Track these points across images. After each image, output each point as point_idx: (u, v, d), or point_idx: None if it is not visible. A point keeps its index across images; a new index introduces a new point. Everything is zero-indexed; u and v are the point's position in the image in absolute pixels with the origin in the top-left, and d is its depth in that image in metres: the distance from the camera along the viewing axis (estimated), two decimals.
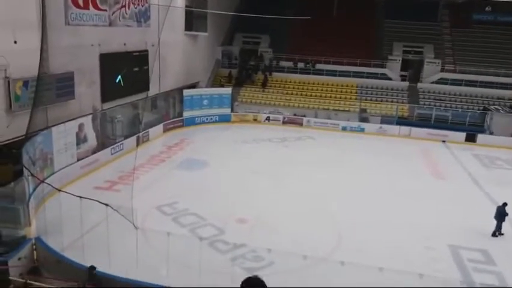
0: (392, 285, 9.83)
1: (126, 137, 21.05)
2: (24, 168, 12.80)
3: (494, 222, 14.13)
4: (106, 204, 11.46)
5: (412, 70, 32.77)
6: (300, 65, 33.13)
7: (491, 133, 27.17)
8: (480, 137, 26.71)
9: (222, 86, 31.53)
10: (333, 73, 32.49)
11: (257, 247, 11.96)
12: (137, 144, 20.96)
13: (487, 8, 33.20)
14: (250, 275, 2.90)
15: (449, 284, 10.75)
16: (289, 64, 33.33)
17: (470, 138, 26.61)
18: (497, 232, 14.10)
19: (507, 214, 14.06)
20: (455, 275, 11.56)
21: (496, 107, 28.56)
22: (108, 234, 11.47)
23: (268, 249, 11.55)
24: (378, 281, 9.95)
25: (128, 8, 20.73)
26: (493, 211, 14.38)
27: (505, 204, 14.25)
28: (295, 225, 13.90)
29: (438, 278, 10.63)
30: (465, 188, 18.80)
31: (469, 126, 27.54)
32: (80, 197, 11.66)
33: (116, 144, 19.89)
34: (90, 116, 18.24)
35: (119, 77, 20.32)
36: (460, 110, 28.83)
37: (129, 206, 11.96)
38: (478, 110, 29.00)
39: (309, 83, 32.34)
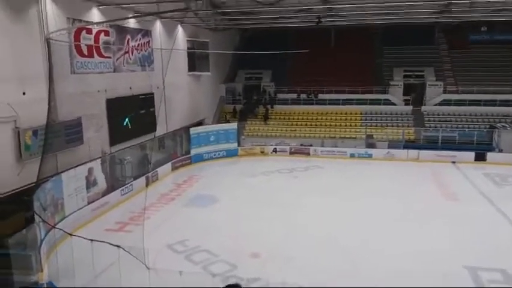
0: None
1: (135, 178, 21.21)
2: (35, 215, 12.93)
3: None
4: (118, 246, 11.49)
5: (415, 94, 33.01)
6: (303, 96, 33.55)
7: (500, 151, 26.99)
8: (490, 155, 26.52)
9: (228, 121, 31.95)
10: (336, 102, 32.84)
11: (271, 281, 11.83)
12: (147, 184, 21.09)
13: (482, 28, 33.67)
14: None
15: None
16: (293, 96, 33.76)
17: (480, 157, 26.43)
18: None
19: None
20: None
21: (502, 124, 28.50)
22: (120, 276, 11.43)
23: (282, 283, 11.44)
24: None
25: (132, 53, 21.37)
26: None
27: None
28: (308, 256, 13.71)
29: None
30: (478, 207, 18.52)
31: (477, 145, 27.39)
32: (92, 239, 11.73)
33: (126, 186, 20.04)
34: (99, 160, 18.50)
35: (127, 119, 20.69)
36: (467, 129, 28.80)
37: (141, 246, 11.97)
38: (485, 128, 28.95)
39: (313, 113, 32.67)
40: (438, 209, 18.33)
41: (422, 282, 12.00)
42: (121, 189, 19.57)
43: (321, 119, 32.11)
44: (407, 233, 15.60)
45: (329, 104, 32.93)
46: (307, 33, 34.16)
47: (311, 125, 31.69)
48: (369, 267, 13.04)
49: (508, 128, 27.71)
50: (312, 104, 33.29)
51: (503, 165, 25.08)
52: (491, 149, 27.20)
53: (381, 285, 11.57)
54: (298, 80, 34.02)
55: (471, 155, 26.56)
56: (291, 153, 29.03)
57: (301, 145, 29.51)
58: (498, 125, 28.43)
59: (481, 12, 25.22)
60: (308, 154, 28.75)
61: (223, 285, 2.98)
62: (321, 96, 33.34)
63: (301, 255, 13.80)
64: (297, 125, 31.85)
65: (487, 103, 30.43)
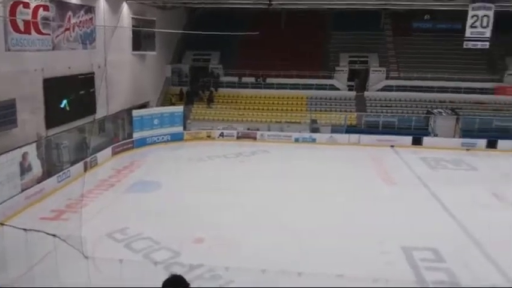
0: None
1: (73, 163, 20.31)
2: None
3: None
4: (53, 235, 11.06)
5: (358, 79, 33.87)
6: (251, 79, 33.47)
7: (435, 135, 28.44)
8: (426, 139, 27.88)
9: (173, 104, 31.25)
10: (283, 86, 33.05)
11: (215, 266, 11.83)
12: (85, 170, 20.30)
13: (425, 17, 34.90)
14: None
15: (403, 284, 11.10)
16: (240, 79, 33.58)
17: (417, 142, 27.71)
18: None
19: None
20: (408, 276, 11.92)
21: (438, 110, 29.94)
22: (57, 266, 11.03)
23: (225, 268, 11.47)
24: None
25: (73, 30, 20.27)
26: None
27: None
28: (253, 240, 13.82)
29: (391, 280, 10.98)
30: (414, 190, 19.51)
31: (415, 130, 28.68)
32: (25, 229, 11.18)
33: (63, 171, 19.15)
34: (34, 144, 17.54)
35: (65, 101, 19.74)
36: (406, 115, 30.03)
37: (78, 235, 11.58)
38: (422, 114, 30.31)
39: (260, 97, 32.71)
40: (376, 191, 19.14)
41: (361, 261, 12.54)
42: (57, 175, 18.67)
43: (269, 103, 32.23)
44: (348, 215, 16.18)
45: (277, 88, 33.09)
46: (258, 16, 33.94)
47: (258, 109, 31.75)
48: (313, 248, 13.41)
49: (443, 114, 29.18)
50: (260, 88, 33.30)
51: (438, 150, 26.47)
52: (427, 134, 28.56)
53: (323, 265, 11.97)
54: (247, 63, 33.81)
55: (409, 139, 27.76)
56: (238, 137, 29.00)
57: (248, 129, 29.55)
58: (434, 110, 29.82)
59: (424, 1, 26.07)
60: (255, 139, 28.84)
61: (166, 277, 2.97)
62: (269, 80, 33.39)
63: (247, 239, 13.89)
64: (244, 109, 31.79)
65: (426, 89, 31.80)
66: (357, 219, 15.74)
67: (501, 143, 26.94)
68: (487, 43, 21.91)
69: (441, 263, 12.78)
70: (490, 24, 21.40)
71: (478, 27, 21.66)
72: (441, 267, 12.54)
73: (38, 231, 11.52)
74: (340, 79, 33.50)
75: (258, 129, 29.48)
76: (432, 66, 32.55)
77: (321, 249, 13.29)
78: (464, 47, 22.52)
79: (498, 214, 16.46)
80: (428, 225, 15.26)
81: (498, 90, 31.50)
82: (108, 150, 23.82)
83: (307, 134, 28.88)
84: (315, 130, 29.33)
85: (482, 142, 27.17)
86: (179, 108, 28.95)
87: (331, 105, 31.93)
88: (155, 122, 27.15)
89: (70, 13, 19.94)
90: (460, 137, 27.98)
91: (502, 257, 12.96)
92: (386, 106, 31.43)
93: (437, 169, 23.16)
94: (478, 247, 13.79)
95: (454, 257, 13.01)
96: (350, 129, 29.00)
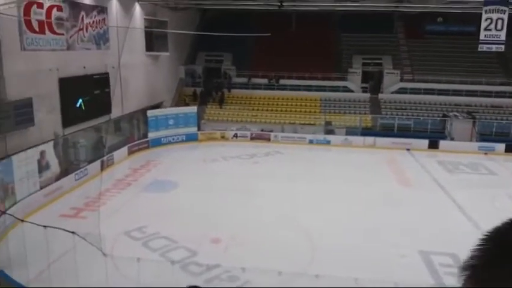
0: None
1: (90, 162, 20.46)
2: None
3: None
4: (73, 232, 11.09)
5: (372, 81, 33.64)
6: (264, 80, 33.43)
7: (452, 139, 28.11)
8: (442, 143, 27.56)
9: (187, 104, 31.33)
10: (296, 88, 32.92)
11: (231, 267, 11.79)
12: (102, 169, 20.41)
13: (438, 19, 34.63)
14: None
15: None
16: (253, 80, 33.57)
17: (433, 145, 27.41)
18: None
19: None
20: (427, 280, 11.76)
21: (454, 113, 29.62)
22: (76, 263, 11.05)
23: (242, 268, 11.41)
24: None
25: (86, 31, 20.40)
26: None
27: None
28: (269, 241, 13.78)
29: (410, 284, 10.83)
30: (431, 193, 19.26)
31: (431, 133, 28.38)
32: (45, 226, 11.24)
33: (80, 170, 19.30)
34: (51, 143, 17.67)
35: (80, 100, 19.87)
36: (421, 118, 29.74)
37: (96, 233, 11.61)
38: (438, 117, 30.00)
39: (274, 98, 32.63)
40: (392, 194, 18.95)
41: (378, 264, 12.39)
42: (75, 173, 18.83)
43: (282, 104, 32.15)
44: (364, 217, 16.01)
45: (290, 89, 32.99)
46: (269, 17, 33.86)
47: (272, 110, 31.67)
48: (329, 250, 13.30)
49: (460, 117, 28.85)
50: (273, 89, 33.24)
51: (455, 153, 26.13)
52: (444, 137, 28.24)
53: (340, 267, 11.82)
54: (260, 65, 33.77)
55: (425, 142, 27.47)
56: (252, 138, 28.96)
57: (262, 130, 29.50)
58: (450, 114, 29.51)
59: (437, 3, 25.87)
60: (269, 140, 28.78)
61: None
62: (282, 81, 33.32)
63: (262, 240, 13.83)
64: (257, 110, 31.75)
65: (441, 92, 31.46)
66: (373, 222, 15.57)
67: None
68: (503, 46, 21.60)
69: None
70: (505, 27, 21.12)
71: (492, 30, 21.35)
72: None
73: (58, 228, 11.58)
74: (353, 81, 33.30)
75: (271, 131, 29.41)
76: (446, 69, 32.22)
77: (336, 251, 13.18)
78: (479, 50, 22.24)
79: None
80: (447, 230, 15.06)
81: None
82: (124, 150, 23.99)
83: (321, 136, 28.74)
84: (329, 132, 29.18)
85: (501, 146, 26.74)
86: (193, 109, 29.05)
87: (345, 107, 31.75)
88: (170, 122, 27.29)
89: (83, 13, 20.07)
90: (476, 141, 27.63)
91: None
92: (401, 109, 31.16)
93: (454, 173, 22.86)
94: None
95: None
96: (365, 132, 28.79)
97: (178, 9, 29.93)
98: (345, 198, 17.97)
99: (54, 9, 17.94)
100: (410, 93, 31.90)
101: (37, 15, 16.92)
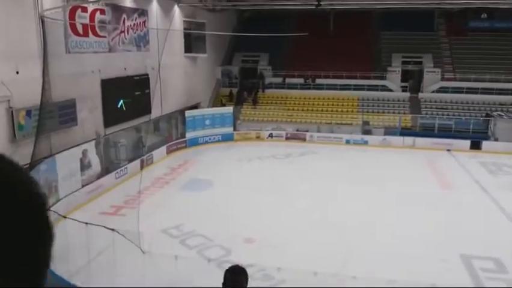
0: None
1: (130, 161, 21.06)
2: None
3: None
4: (113, 229, 11.44)
5: (412, 80, 32.83)
6: (300, 80, 33.29)
7: (495, 139, 27.02)
8: (485, 144, 26.55)
9: (224, 105, 31.65)
10: (333, 87, 32.54)
11: (266, 266, 11.81)
12: (142, 168, 20.94)
13: (482, 16, 33.39)
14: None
15: None
16: (289, 80, 33.50)
17: (475, 146, 26.44)
18: None
19: None
20: (468, 285, 11.39)
21: (498, 113, 28.49)
22: (115, 260, 11.40)
23: (277, 268, 11.41)
24: None
25: (127, 33, 20.98)
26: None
27: None
28: (304, 241, 13.74)
29: None
30: (473, 196, 18.60)
31: (473, 134, 27.40)
32: (86, 223, 11.65)
33: (121, 169, 19.89)
34: (93, 142, 18.29)
35: (121, 101, 20.44)
36: (463, 118, 28.77)
37: (135, 230, 11.92)
38: (481, 117, 28.92)
39: (310, 98, 32.42)
40: (433, 196, 18.36)
41: (417, 267, 12.11)
42: (115, 172, 19.42)
43: (318, 104, 31.89)
44: (403, 220, 15.67)
45: (326, 89, 32.68)
46: (306, 17, 33.70)
47: (308, 110, 31.49)
48: (365, 251, 13.13)
49: (504, 117, 27.70)
50: (309, 88, 33.04)
51: (499, 154, 25.12)
52: (487, 138, 27.21)
53: (379, 268, 11.62)
54: (296, 64, 33.67)
55: (466, 143, 26.55)
56: (287, 138, 28.91)
57: (298, 130, 29.38)
58: (494, 113, 28.40)
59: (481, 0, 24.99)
60: (304, 140, 28.64)
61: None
62: (318, 81, 33.06)
63: (296, 240, 13.80)
64: (293, 109, 31.64)
65: (484, 91, 30.31)
66: (412, 225, 15.21)
67: None
68: None
69: (503, 273, 12.12)
70: None
71: None
72: (504, 278, 11.89)
73: (98, 225, 11.99)
74: (393, 80, 32.59)
75: (307, 131, 29.25)
76: (490, 67, 31.03)
77: (373, 252, 12.98)
78: None
79: None
80: (489, 234, 14.53)
81: None
82: (163, 149, 24.55)
83: (358, 136, 28.32)
84: (367, 132, 28.72)
85: None
86: (229, 109, 29.34)
87: (383, 106, 31.15)
88: (207, 122, 27.70)
89: (124, 16, 20.66)
90: None
91: None
92: (442, 108, 30.26)
93: (498, 175, 21.99)
94: None
95: None
96: (405, 132, 28.11)
97: (216, 11, 30.29)
98: (382, 199, 17.64)
99: (98, 13, 18.60)
100: (452, 92, 30.91)
101: (81, 19, 17.59)
